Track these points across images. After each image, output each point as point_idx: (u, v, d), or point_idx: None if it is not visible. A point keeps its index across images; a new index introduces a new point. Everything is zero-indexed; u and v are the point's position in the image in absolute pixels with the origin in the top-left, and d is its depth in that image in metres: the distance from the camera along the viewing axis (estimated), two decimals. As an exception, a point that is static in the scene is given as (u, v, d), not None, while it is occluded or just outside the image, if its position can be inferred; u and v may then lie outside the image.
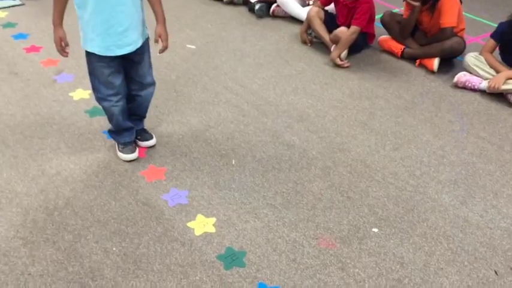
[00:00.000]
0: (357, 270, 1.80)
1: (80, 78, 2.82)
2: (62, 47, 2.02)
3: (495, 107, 2.78)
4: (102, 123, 2.46)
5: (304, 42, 3.30)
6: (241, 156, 2.31)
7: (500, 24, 2.86)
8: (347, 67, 3.06)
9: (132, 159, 2.22)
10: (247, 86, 2.85)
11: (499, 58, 2.91)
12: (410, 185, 2.20)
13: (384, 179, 2.22)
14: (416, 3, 2.96)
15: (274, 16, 3.67)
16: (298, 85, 2.89)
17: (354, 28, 3.00)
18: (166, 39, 2.08)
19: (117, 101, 2.12)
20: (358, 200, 2.10)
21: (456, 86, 2.92)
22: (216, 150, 2.33)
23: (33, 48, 3.12)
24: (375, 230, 1.97)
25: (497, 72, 2.81)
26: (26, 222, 1.92)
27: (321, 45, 3.26)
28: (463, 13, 3.09)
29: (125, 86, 2.13)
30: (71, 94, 2.70)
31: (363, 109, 2.71)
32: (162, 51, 2.10)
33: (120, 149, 2.24)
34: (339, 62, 3.03)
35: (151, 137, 2.33)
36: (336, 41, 3.07)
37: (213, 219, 1.96)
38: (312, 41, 3.30)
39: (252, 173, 2.22)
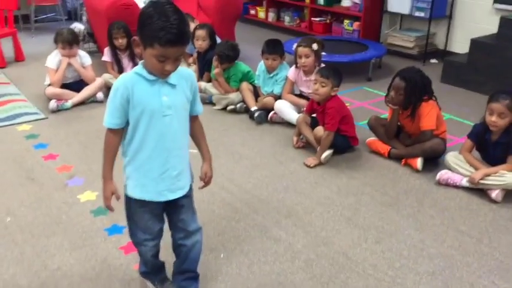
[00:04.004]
0: None
1: (89, 182, 3.09)
2: (110, 203, 1.92)
3: (476, 203, 2.92)
4: (105, 221, 2.68)
5: (296, 145, 3.56)
6: (229, 250, 2.47)
7: (475, 126, 3.09)
8: (313, 166, 3.30)
9: None
10: (241, 185, 3.07)
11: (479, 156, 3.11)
12: (389, 276, 2.30)
13: (363, 271, 2.34)
14: (395, 107, 3.25)
15: (272, 122, 3.99)
16: (290, 184, 3.10)
17: (326, 132, 3.30)
18: (211, 179, 2.06)
19: (153, 246, 2.04)
20: (337, 290, 2.21)
21: (439, 183, 3.09)
22: (206, 246, 2.49)
23: (51, 156, 3.45)
24: (352, 319, 2.06)
25: (476, 169, 2.99)
26: (25, 313, 2.08)
27: (313, 148, 3.52)
28: (444, 117, 3.36)
29: (162, 232, 2.03)
30: (78, 196, 2.95)
31: (348, 205, 2.88)
32: (202, 187, 2.07)
33: (158, 285, 2.16)
34: (313, 163, 3.30)
35: None
36: (319, 142, 3.35)
37: (197, 310, 2.08)
38: (301, 144, 3.57)
39: (239, 265, 2.36)
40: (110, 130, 1.84)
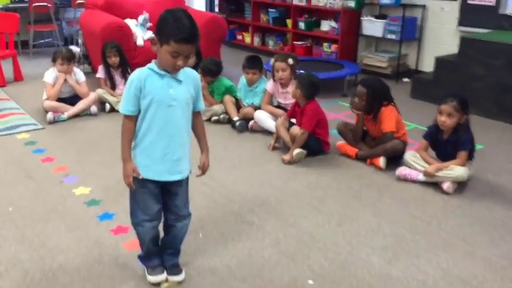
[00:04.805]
0: (289, 310, 2.18)
1: (82, 179, 3.41)
2: (131, 181, 2.16)
3: (430, 194, 3.26)
4: (97, 210, 3.00)
5: (272, 148, 3.92)
6: (207, 232, 2.79)
7: (429, 127, 3.46)
8: (292, 163, 3.68)
9: (161, 280, 2.35)
10: (221, 182, 3.40)
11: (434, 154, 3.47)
12: (346, 250, 2.63)
13: (324, 246, 2.66)
14: (359, 112, 3.63)
15: (252, 130, 4.35)
16: (264, 180, 3.44)
17: (302, 130, 3.68)
18: (207, 168, 2.35)
19: (151, 228, 2.27)
20: (300, 261, 2.53)
21: (399, 178, 3.44)
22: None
23: (48, 159, 3.77)
24: (311, 282, 2.37)
25: (429, 165, 3.34)
26: (26, 279, 2.37)
27: (288, 150, 3.87)
28: (403, 122, 3.74)
29: (161, 215, 2.29)
30: (73, 190, 3.27)
31: (316, 197, 3.22)
32: (199, 176, 2.35)
33: (149, 271, 2.37)
34: (288, 158, 3.66)
35: (181, 272, 2.39)
36: (293, 141, 3.72)
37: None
38: (278, 147, 3.93)
39: (214, 243, 2.68)
40: (125, 116, 2.14)
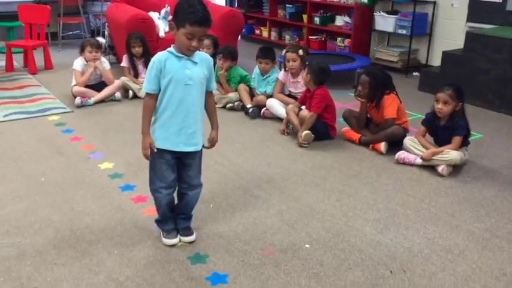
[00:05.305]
0: (286, 267, 2.47)
1: (107, 156, 3.75)
2: (148, 152, 2.44)
3: (425, 176, 3.51)
4: (120, 182, 3.33)
5: (282, 132, 4.20)
6: (217, 203, 3.09)
7: (427, 114, 3.70)
8: (304, 146, 3.94)
9: (175, 243, 2.62)
10: (232, 160, 3.71)
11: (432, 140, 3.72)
12: (342, 221, 2.90)
13: (323, 217, 2.94)
14: (363, 100, 3.89)
15: (265, 117, 4.64)
16: (272, 160, 3.73)
17: (311, 113, 3.96)
18: (216, 142, 2.64)
19: (167, 194, 2.54)
20: (299, 228, 2.81)
21: (397, 162, 3.69)
22: (199, 199, 3.07)
23: (76, 138, 4.12)
24: (307, 245, 2.66)
25: (427, 150, 3.59)
26: (57, 236, 2.71)
27: (296, 136, 4.15)
28: (410, 112, 3.98)
29: (176, 183, 2.56)
30: (99, 165, 3.61)
31: (319, 176, 3.49)
32: (207, 148, 2.61)
33: (165, 235, 2.64)
34: (299, 140, 3.91)
35: (192, 234, 2.68)
36: (302, 124, 4.01)
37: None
38: (288, 132, 4.21)
39: (223, 212, 2.98)
40: (147, 94, 2.43)
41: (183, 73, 2.38)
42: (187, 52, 2.37)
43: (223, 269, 2.45)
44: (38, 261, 2.49)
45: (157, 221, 2.71)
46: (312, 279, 2.38)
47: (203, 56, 2.48)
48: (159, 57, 2.41)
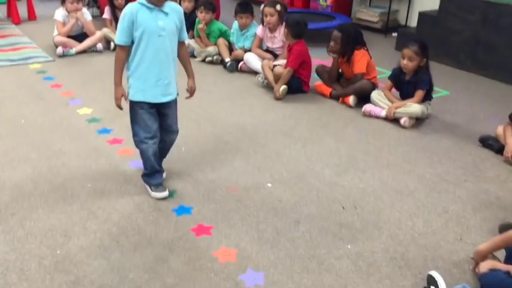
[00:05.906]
0: (248, 202, 2.67)
1: (86, 102, 3.89)
2: (120, 103, 2.55)
3: (389, 127, 3.70)
4: (97, 126, 3.49)
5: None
6: (189, 147, 3.27)
7: (393, 69, 3.87)
8: (280, 99, 4.10)
9: (164, 196, 2.64)
10: (207, 110, 3.87)
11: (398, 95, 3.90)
12: (305, 165, 3.10)
13: (287, 161, 3.14)
14: (334, 55, 4.04)
15: (242, 71, 4.78)
16: (245, 111, 3.90)
17: (287, 69, 4.11)
18: (194, 91, 2.73)
19: (152, 143, 2.58)
20: (263, 170, 3.01)
21: (364, 114, 3.88)
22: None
23: (57, 85, 4.25)
24: (269, 184, 2.86)
25: (392, 103, 3.77)
26: (34, 171, 2.88)
27: (270, 89, 4.30)
28: (384, 70, 4.13)
29: (159, 132, 2.61)
30: (77, 110, 3.76)
31: (288, 125, 3.67)
32: (188, 98, 2.73)
33: (153, 189, 2.66)
34: (277, 94, 4.06)
35: (163, 171, 2.80)
36: (277, 80, 4.16)
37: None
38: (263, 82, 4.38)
39: (194, 155, 3.17)
40: (119, 47, 2.49)
41: (155, 25, 2.43)
42: (157, 2, 2.42)
43: (188, 202, 2.65)
44: (15, 192, 2.68)
45: (145, 175, 2.72)
46: (270, 212, 2.59)
47: (174, 7, 2.53)
48: (130, 9, 2.40)
